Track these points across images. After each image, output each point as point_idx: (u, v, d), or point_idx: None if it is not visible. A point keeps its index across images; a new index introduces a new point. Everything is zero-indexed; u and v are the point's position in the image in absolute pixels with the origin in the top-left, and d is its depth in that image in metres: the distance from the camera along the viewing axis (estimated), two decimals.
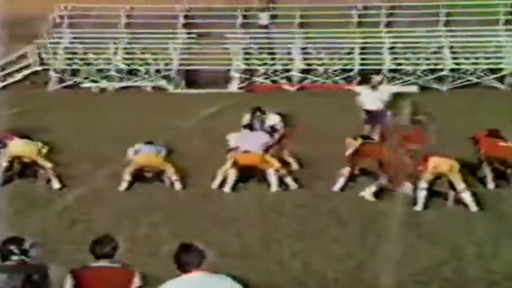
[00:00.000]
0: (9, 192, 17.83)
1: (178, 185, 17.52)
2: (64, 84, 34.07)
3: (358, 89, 24.34)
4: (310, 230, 15.00)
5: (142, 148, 18.59)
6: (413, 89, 31.85)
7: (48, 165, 18.30)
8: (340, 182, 17.47)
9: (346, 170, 17.51)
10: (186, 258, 8.59)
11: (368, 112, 22.01)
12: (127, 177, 17.63)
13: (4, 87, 34.12)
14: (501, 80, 32.19)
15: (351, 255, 13.58)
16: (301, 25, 34.39)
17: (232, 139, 18.67)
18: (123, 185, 17.57)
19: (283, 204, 16.62)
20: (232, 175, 17.54)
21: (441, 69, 32.36)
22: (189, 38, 34.54)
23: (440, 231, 14.70)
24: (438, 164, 16.56)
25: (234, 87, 32.95)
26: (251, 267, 12.50)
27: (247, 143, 18.16)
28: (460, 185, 16.14)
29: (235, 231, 14.91)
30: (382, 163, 17.48)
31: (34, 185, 18.22)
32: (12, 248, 9.18)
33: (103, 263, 9.07)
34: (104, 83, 33.77)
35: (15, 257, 9.13)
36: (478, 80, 32.32)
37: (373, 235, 14.65)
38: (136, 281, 9.01)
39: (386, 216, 15.79)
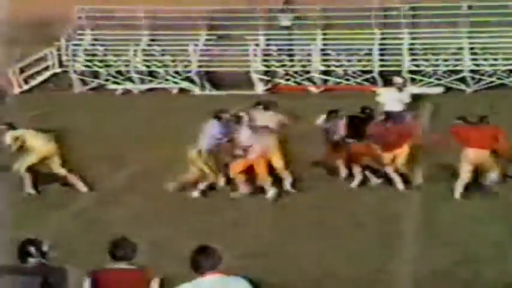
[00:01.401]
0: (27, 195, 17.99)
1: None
2: (88, 86, 34.21)
3: (381, 90, 24.40)
4: (325, 230, 15.09)
5: None
6: (438, 90, 31.82)
7: (63, 172, 18.30)
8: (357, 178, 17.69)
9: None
10: (202, 261, 8.71)
11: (387, 113, 22.04)
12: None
13: (27, 89, 34.27)
14: None
15: (367, 255, 13.66)
16: (321, 26, 34.35)
17: None
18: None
19: (298, 205, 16.71)
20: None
21: (461, 71, 32.30)
22: (208, 39, 34.54)
23: (456, 232, 14.75)
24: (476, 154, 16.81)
25: (259, 89, 32.99)
26: (266, 268, 12.58)
27: None
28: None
29: (250, 233, 15.02)
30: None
31: (50, 186, 18.35)
32: (31, 249, 9.28)
33: (121, 265, 9.17)
34: (128, 85, 33.84)
35: (33, 259, 9.23)
36: (501, 81, 32.23)
37: (389, 235, 14.74)
38: (155, 282, 9.10)
39: (402, 216, 15.86)
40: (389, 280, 12.75)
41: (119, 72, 34.14)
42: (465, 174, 16.92)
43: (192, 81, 33.62)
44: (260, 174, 17.28)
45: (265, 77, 33.30)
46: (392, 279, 12.80)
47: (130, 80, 33.97)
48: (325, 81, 33.19)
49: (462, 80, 32.33)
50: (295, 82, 33.42)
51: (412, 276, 12.85)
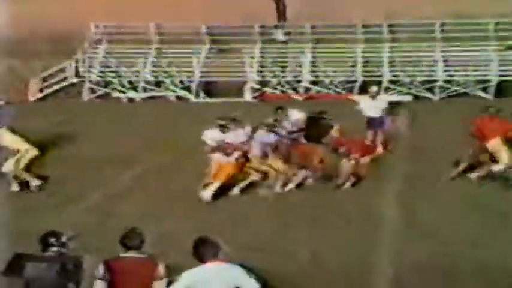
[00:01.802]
0: (43, 191, 18.02)
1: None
2: (96, 94, 34.20)
3: (357, 98, 24.47)
4: (317, 225, 15.12)
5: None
6: (408, 98, 31.85)
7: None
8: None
9: None
10: (202, 250, 8.76)
11: (369, 119, 22.17)
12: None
13: (43, 97, 34.29)
14: (485, 90, 32.18)
15: (354, 247, 13.70)
16: (311, 41, 34.42)
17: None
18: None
19: (292, 202, 16.74)
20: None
21: (435, 81, 32.38)
22: (210, 52, 34.60)
23: (436, 225, 14.76)
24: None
25: (248, 96, 33.04)
26: (263, 259, 12.61)
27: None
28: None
29: (249, 227, 15.06)
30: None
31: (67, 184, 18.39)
32: (52, 240, 9.33)
33: (132, 253, 9.21)
34: (131, 93, 33.90)
35: (54, 249, 9.27)
36: (465, 90, 32.32)
37: (373, 229, 14.78)
38: (160, 270, 9.15)
39: (385, 212, 15.90)
40: (373, 270, 12.78)
41: (130, 82, 34.15)
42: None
43: (189, 89, 33.67)
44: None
45: (259, 86, 33.30)
46: (376, 269, 12.84)
47: (135, 89, 33.99)
48: (307, 89, 33.19)
49: (430, 89, 32.43)
50: (281, 91, 33.45)
51: (394, 266, 12.88)
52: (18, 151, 18.19)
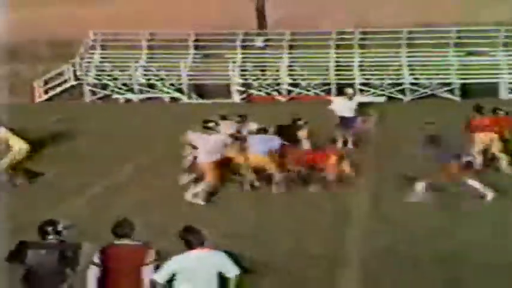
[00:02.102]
0: (43, 183, 18.03)
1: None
2: (97, 96, 34.22)
3: (335, 99, 24.51)
4: (296, 216, 15.22)
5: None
6: (381, 99, 32.04)
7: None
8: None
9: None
10: (188, 238, 8.85)
11: (341, 118, 22.25)
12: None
13: (47, 99, 34.29)
14: (452, 91, 32.42)
15: (328, 236, 13.83)
16: (289, 47, 34.59)
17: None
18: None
19: (272, 196, 16.83)
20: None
21: (402, 83, 32.64)
22: (196, 57, 34.70)
23: (401, 218, 14.85)
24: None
25: (236, 98, 33.13)
26: (247, 246, 12.64)
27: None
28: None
29: (234, 216, 15.15)
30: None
31: (67, 178, 18.43)
32: (48, 229, 9.36)
33: (125, 241, 9.26)
34: (128, 95, 33.93)
35: (50, 236, 9.31)
36: (432, 92, 32.59)
37: (344, 220, 14.90)
38: (151, 255, 9.19)
39: (355, 205, 15.99)
40: (345, 256, 12.89)
41: (125, 84, 34.17)
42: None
43: (181, 91, 33.72)
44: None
45: (242, 88, 33.40)
46: (348, 255, 12.96)
47: (131, 90, 34.04)
48: (289, 92, 33.34)
49: (401, 91, 32.63)
50: (266, 93, 33.57)
51: (362, 253, 12.99)
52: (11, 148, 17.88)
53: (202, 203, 16.18)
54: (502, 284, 11.65)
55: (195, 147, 17.14)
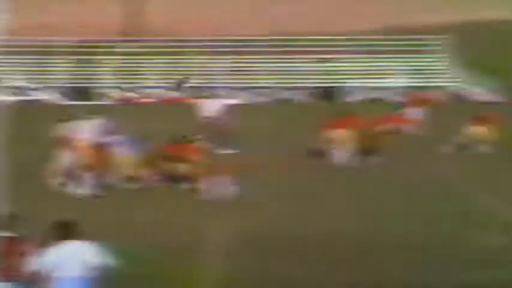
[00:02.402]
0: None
1: None
2: None
3: (197, 100, 24.38)
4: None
5: None
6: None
7: None
8: None
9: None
10: (62, 231, 8.92)
11: (205, 118, 22.31)
12: None
13: None
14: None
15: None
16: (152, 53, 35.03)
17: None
18: None
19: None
20: None
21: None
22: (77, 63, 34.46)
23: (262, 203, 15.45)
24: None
25: (109, 100, 33.13)
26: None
27: None
28: None
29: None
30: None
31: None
32: None
33: (5, 233, 9.28)
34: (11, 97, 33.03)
35: None
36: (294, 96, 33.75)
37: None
38: (29, 246, 9.22)
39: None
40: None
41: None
42: None
43: (63, 94, 33.40)
44: None
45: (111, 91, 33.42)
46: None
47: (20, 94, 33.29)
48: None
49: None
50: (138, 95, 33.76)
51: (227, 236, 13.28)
52: None
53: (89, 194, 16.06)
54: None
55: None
